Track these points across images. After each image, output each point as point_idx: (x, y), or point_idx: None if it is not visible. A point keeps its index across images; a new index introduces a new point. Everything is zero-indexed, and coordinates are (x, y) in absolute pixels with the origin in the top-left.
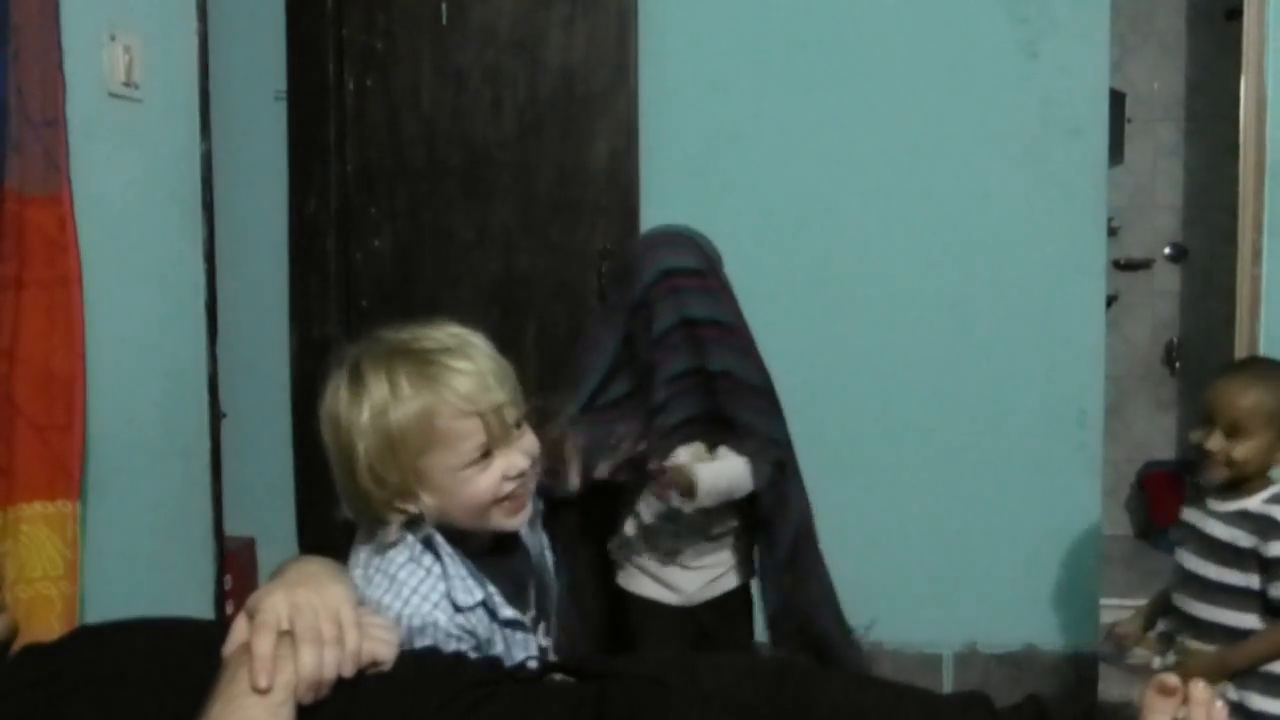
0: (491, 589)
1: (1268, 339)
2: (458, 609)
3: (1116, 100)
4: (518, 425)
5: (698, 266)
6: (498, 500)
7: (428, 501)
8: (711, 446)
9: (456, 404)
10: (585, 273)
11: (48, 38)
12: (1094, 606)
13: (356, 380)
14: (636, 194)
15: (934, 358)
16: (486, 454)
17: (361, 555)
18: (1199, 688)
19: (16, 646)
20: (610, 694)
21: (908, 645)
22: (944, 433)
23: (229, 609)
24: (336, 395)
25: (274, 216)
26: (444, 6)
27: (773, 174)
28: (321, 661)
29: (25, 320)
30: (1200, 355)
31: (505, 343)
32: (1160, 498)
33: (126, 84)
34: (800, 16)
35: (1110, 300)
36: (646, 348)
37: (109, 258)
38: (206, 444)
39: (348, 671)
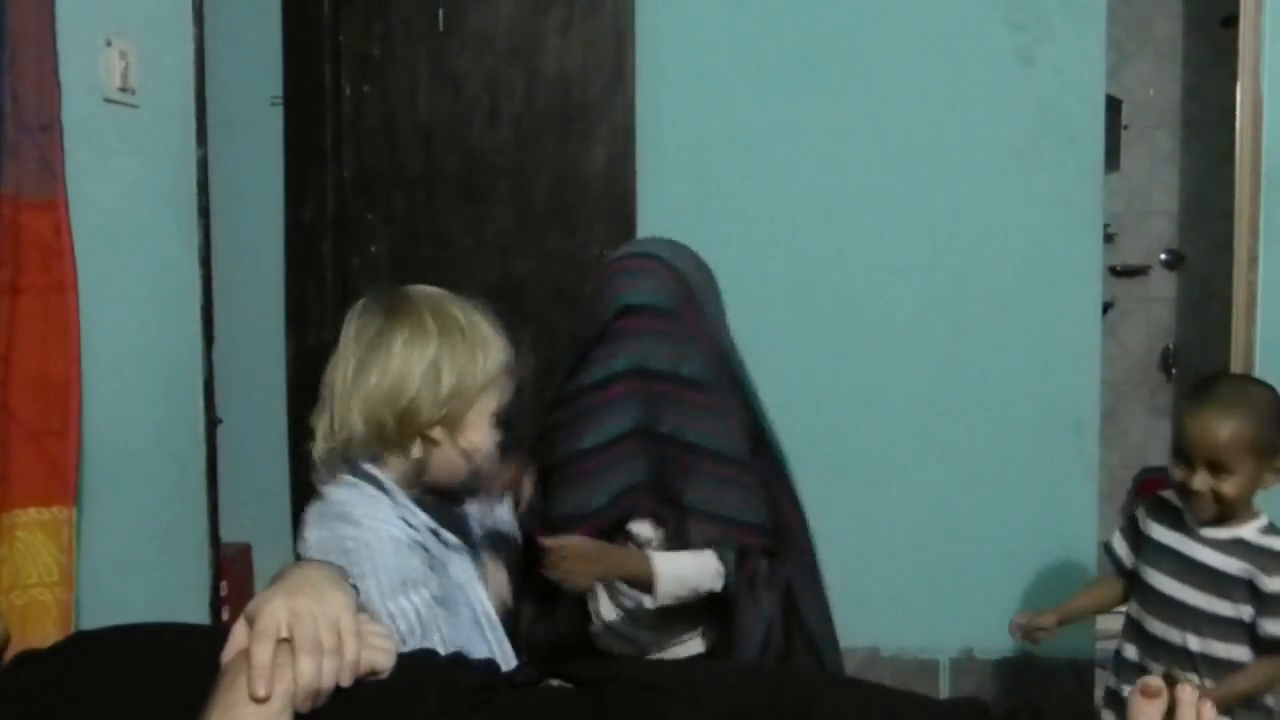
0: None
1: (1263, 345)
2: (411, 527)
3: (1113, 106)
4: None
5: (664, 304)
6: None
7: (440, 440)
8: (659, 524)
9: (512, 360)
10: (582, 279)
11: (43, 43)
12: None
13: (423, 318)
14: (633, 200)
15: (930, 363)
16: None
17: (313, 513)
18: (1185, 690)
19: (11, 653)
20: (608, 700)
21: (905, 651)
22: (940, 438)
23: (224, 615)
24: (390, 329)
25: (270, 222)
26: (441, 13)
27: (769, 180)
28: (320, 671)
29: (21, 326)
30: (1196, 361)
31: None
32: None
33: (122, 89)
34: (797, 23)
35: (1106, 306)
36: (584, 390)
37: (105, 263)
38: (202, 450)
39: (346, 681)
